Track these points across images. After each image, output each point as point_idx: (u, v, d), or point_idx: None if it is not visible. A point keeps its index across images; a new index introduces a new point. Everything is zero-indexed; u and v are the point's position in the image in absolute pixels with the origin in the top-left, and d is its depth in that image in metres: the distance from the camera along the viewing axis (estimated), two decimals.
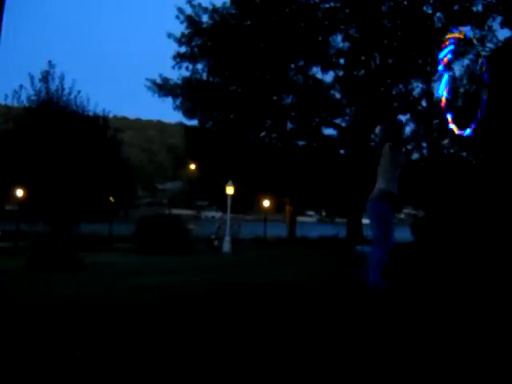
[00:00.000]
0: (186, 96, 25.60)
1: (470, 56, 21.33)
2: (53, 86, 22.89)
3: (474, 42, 5.94)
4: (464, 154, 21.22)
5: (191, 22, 25.03)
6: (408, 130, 23.26)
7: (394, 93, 23.36)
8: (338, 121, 25.25)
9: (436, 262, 10.30)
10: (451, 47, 5.37)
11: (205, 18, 25.08)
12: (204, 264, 13.36)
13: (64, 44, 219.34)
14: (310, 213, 48.19)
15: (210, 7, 24.89)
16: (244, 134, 25.37)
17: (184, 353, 3.34)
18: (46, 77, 22.80)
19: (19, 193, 21.33)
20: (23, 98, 22.57)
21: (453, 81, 21.93)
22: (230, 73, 24.38)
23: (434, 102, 21.96)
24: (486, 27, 20.41)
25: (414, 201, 25.05)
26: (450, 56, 5.39)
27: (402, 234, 20.94)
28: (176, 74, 34.66)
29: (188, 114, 26.44)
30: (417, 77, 22.63)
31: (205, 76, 25.61)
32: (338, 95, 24.99)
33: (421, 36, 21.08)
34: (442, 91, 5.35)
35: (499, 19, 19.69)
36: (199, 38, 25.06)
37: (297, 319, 4.31)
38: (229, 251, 19.60)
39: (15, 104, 22.87)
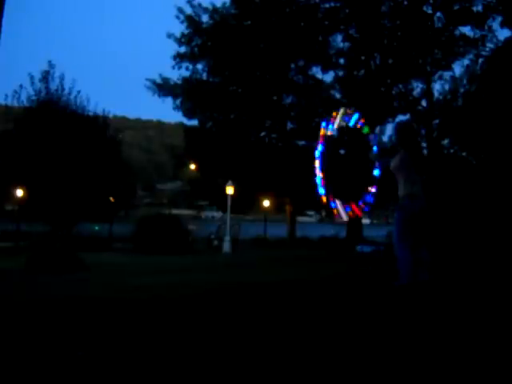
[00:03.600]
0: (186, 96, 25.58)
1: (470, 56, 21.39)
2: (53, 86, 22.88)
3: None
4: (464, 153, 21.24)
5: (191, 22, 25.01)
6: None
7: (393, 93, 23.33)
8: None
9: (436, 261, 10.29)
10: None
11: (205, 18, 25.08)
12: (204, 264, 13.37)
13: (64, 44, 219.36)
14: (310, 213, 48.21)
15: (210, 7, 24.88)
16: (244, 133, 25.34)
17: (183, 352, 3.34)
18: (45, 77, 22.78)
19: (19, 193, 21.31)
20: (23, 97, 22.55)
21: (453, 81, 21.99)
22: (230, 73, 24.36)
23: (433, 102, 22.01)
24: (486, 27, 20.39)
25: None
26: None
27: None
28: (176, 74, 34.65)
29: (188, 113, 26.43)
30: (417, 77, 22.61)
31: (205, 76, 25.59)
32: (338, 95, 24.98)
33: (421, 36, 21.06)
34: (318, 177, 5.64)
35: (499, 19, 19.70)
36: (199, 38, 25.03)
37: (296, 319, 4.31)
38: (229, 251, 19.59)
39: (15, 104, 22.87)
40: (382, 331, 3.88)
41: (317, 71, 24.94)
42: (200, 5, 24.89)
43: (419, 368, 2.98)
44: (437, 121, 21.96)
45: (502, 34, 20.47)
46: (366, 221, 35.41)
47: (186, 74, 25.47)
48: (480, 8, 20.56)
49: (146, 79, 26.14)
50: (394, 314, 4.48)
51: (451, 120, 20.41)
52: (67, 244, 16.34)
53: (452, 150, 21.87)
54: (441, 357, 3.21)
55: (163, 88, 26.03)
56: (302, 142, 26.15)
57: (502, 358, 3.22)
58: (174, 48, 25.22)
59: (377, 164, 5.93)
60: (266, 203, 27.93)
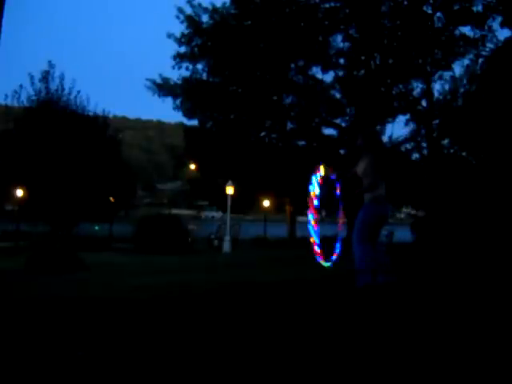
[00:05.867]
0: (186, 96, 25.59)
1: (470, 56, 21.40)
2: (53, 86, 22.92)
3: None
4: (464, 153, 21.25)
5: (191, 21, 25.00)
6: (408, 130, 23.28)
7: (394, 93, 23.34)
8: (338, 121, 25.25)
9: (435, 261, 10.30)
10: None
11: (205, 18, 25.08)
12: (204, 264, 13.37)
13: (64, 44, 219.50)
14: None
15: (210, 7, 24.89)
16: (244, 134, 25.35)
17: (183, 352, 3.34)
18: (45, 77, 22.82)
19: (19, 193, 21.32)
20: (23, 97, 22.59)
21: (453, 81, 21.99)
22: (230, 73, 24.35)
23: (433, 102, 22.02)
24: (486, 27, 20.39)
25: (414, 201, 25.04)
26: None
27: (402, 234, 21.00)
28: (176, 74, 34.70)
29: (188, 113, 26.44)
30: (417, 77, 22.61)
31: (205, 76, 25.59)
32: (338, 95, 24.99)
33: (421, 36, 21.07)
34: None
35: (499, 19, 19.70)
36: (199, 38, 25.03)
37: (294, 319, 4.32)
38: (229, 251, 19.60)
39: (15, 104, 22.90)
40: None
41: (317, 71, 24.97)
42: (200, 5, 24.91)
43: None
44: (437, 121, 21.97)
45: (502, 34, 20.53)
46: None
47: (186, 74, 25.50)
48: (480, 8, 20.58)
49: (146, 79, 26.18)
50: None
51: (451, 120, 20.42)
52: (67, 244, 16.34)
53: (452, 150, 21.88)
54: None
55: (163, 88, 26.04)
56: (301, 142, 26.19)
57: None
58: (173, 48, 25.25)
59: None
60: (266, 203, 27.95)
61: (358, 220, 5.63)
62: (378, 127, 23.44)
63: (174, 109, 26.17)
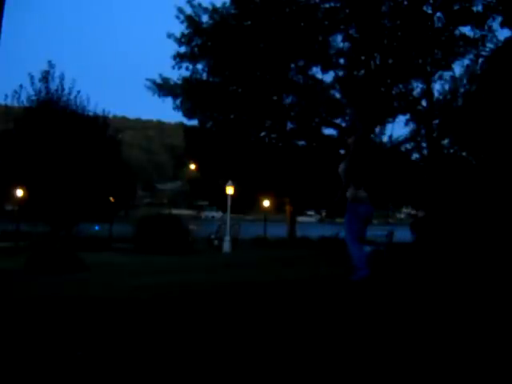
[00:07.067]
0: (186, 96, 25.60)
1: (470, 56, 21.38)
2: (53, 86, 22.92)
3: None
4: (464, 153, 21.23)
5: (191, 22, 25.01)
6: (408, 129, 23.29)
7: (393, 93, 23.32)
8: (338, 121, 25.25)
9: (435, 261, 10.30)
10: None
11: (205, 18, 25.09)
12: (204, 264, 13.38)
13: (64, 44, 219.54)
14: (310, 213, 48.21)
15: (210, 7, 24.90)
16: (244, 134, 25.35)
17: (183, 352, 3.34)
18: (45, 77, 22.81)
19: (19, 193, 21.32)
20: (23, 97, 22.58)
21: (453, 81, 21.98)
22: (230, 73, 24.36)
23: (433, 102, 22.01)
24: (486, 27, 20.36)
25: (414, 201, 25.03)
26: None
27: (402, 234, 20.99)
28: (176, 74, 34.72)
29: (188, 114, 26.45)
30: (417, 77, 22.60)
31: (205, 76, 25.60)
32: (338, 95, 24.99)
33: (421, 36, 21.05)
34: None
35: (499, 19, 19.67)
36: (199, 38, 25.04)
37: (296, 318, 4.32)
38: (229, 251, 19.61)
39: (15, 104, 22.88)
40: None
41: (317, 71, 24.97)
42: (200, 5, 24.92)
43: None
44: (437, 121, 21.96)
45: (502, 34, 20.49)
46: None
47: (186, 74, 25.52)
48: (480, 8, 20.53)
49: (146, 79, 26.21)
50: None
51: (451, 120, 20.40)
52: (67, 244, 16.34)
53: (452, 150, 21.87)
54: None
55: (163, 88, 26.05)
56: (301, 142, 26.20)
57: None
58: (174, 48, 25.27)
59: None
60: (266, 203, 27.95)
61: (346, 222, 5.98)
62: (378, 127, 23.45)
63: (174, 109, 26.21)
